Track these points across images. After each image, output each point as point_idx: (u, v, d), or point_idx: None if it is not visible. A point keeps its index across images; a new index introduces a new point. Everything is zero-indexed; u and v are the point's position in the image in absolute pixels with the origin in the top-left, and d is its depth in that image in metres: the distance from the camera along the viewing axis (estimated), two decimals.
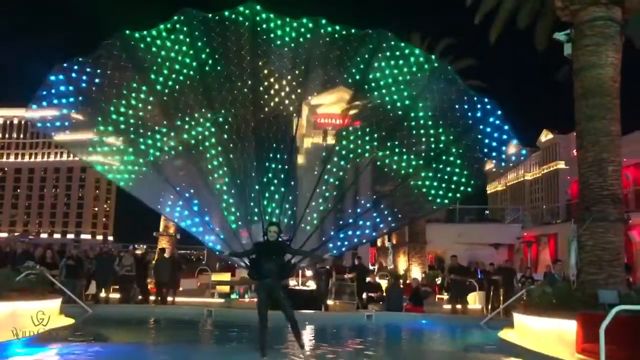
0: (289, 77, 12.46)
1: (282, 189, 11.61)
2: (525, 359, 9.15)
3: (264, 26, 12.27)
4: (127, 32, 12.18)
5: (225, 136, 12.24)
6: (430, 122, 12.38)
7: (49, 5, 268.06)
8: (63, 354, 8.81)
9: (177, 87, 12.38)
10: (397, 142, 12.42)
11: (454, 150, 12.23)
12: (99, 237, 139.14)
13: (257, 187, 11.58)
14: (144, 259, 19.15)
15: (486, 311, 17.70)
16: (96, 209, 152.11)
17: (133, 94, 12.28)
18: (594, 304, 10.07)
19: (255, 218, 11.42)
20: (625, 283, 11.70)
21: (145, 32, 12.24)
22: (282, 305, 8.48)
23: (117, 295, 17.70)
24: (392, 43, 12.34)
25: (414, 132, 12.44)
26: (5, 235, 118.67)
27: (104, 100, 12.25)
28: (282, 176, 11.82)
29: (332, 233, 12.09)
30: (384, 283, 21.74)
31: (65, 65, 12.06)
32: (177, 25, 12.23)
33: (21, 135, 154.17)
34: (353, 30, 12.33)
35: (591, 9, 12.19)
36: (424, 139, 12.47)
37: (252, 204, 11.56)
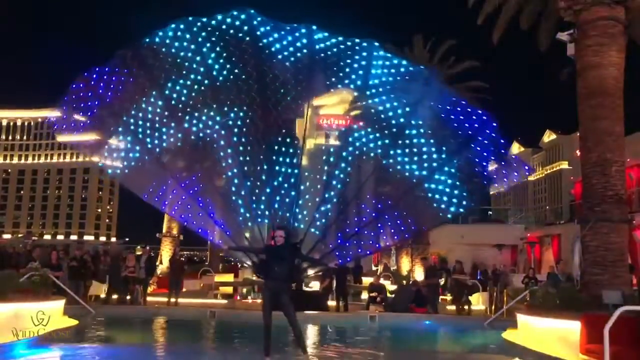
0: (293, 81, 12.57)
1: (292, 192, 11.65)
2: (529, 359, 9.12)
3: (262, 29, 12.38)
4: (144, 40, 12.54)
5: (235, 139, 12.35)
6: (429, 131, 12.46)
7: (49, 8, 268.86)
8: (66, 355, 8.82)
9: (184, 90, 12.57)
10: (399, 150, 12.46)
11: (454, 162, 12.23)
12: (102, 238, 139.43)
13: (268, 190, 11.64)
14: None
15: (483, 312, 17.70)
16: (99, 210, 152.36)
17: (144, 98, 12.60)
18: (598, 304, 10.05)
19: (265, 220, 11.48)
20: (629, 283, 11.68)
21: (149, 40, 12.52)
22: (286, 310, 8.50)
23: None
24: (381, 53, 12.49)
25: (414, 140, 12.50)
26: (9, 236, 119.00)
27: (118, 105, 12.75)
28: (290, 178, 11.88)
29: (338, 242, 12.13)
30: (387, 284, 21.73)
31: (86, 74, 12.67)
32: (179, 33, 12.42)
33: (24, 137, 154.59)
34: (341, 38, 12.51)
35: (594, 8, 12.16)
36: (424, 149, 12.51)
37: (262, 206, 11.62)
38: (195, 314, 15.33)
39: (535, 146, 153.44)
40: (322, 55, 12.56)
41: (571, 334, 8.77)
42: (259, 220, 11.61)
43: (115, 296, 17.38)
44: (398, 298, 17.70)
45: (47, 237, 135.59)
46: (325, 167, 12.42)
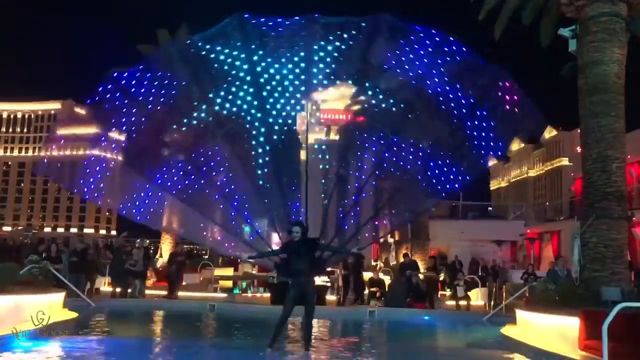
0: (291, 77, 12.40)
1: (292, 187, 11.61)
2: (528, 355, 9.13)
3: (256, 32, 12.20)
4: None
5: (275, 137, 12.29)
6: (441, 98, 12.30)
7: (48, 4, 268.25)
8: (66, 348, 8.83)
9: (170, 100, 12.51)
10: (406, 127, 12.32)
11: (469, 122, 12.10)
12: (102, 232, 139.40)
13: (267, 185, 11.62)
14: None
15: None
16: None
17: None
18: (597, 300, 10.08)
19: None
20: (628, 280, 11.70)
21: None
22: (308, 306, 8.55)
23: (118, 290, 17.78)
24: (390, 24, 12.20)
25: (426, 113, 12.34)
26: (9, 229, 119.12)
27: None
28: (290, 173, 11.85)
29: (354, 227, 12.13)
30: (386, 279, 21.69)
31: (115, 75, 12.51)
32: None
33: (25, 130, 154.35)
34: (345, 19, 12.23)
35: (596, 4, 12.14)
36: (438, 116, 12.37)
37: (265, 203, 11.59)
38: (194, 307, 15.37)
39: (536, 142, 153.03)
40: (322, 42, 12.32)
41: (570, 330, 8.79)
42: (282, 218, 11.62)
43: (118, 289, 17.44)
44: (392, 292, 17.66)
45: (47, 229, 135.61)
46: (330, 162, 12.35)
